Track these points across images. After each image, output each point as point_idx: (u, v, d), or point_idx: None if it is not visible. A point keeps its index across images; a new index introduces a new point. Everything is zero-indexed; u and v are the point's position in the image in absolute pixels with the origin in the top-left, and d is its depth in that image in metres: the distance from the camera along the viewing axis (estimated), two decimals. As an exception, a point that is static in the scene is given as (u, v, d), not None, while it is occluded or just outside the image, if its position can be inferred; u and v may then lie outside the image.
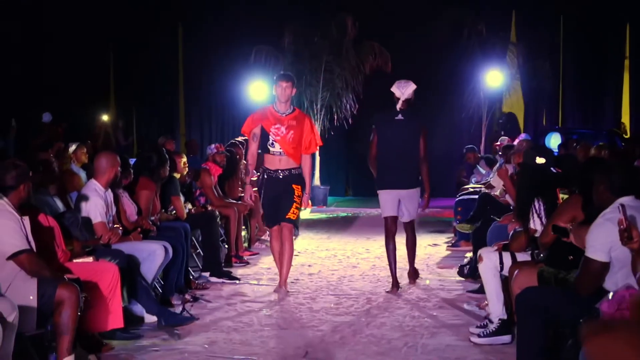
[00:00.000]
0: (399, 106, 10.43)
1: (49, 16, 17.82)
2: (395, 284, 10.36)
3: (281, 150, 10.09)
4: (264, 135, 10.13)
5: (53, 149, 13.02)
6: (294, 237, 10.74)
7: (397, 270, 10.46)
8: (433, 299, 9.93)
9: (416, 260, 11.08)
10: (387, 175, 10.47)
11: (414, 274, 10.85)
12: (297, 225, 10.64)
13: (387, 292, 10.28)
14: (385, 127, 10.54)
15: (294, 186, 10.12)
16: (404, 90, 10.42)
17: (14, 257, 6.66)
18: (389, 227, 10.52)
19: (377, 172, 10.56)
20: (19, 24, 16.94)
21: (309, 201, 10.60)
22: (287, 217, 10.15)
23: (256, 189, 11.00)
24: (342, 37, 21.23)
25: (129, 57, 22.80)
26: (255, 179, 11.16)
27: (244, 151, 14.00)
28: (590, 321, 5.30)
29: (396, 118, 10.44)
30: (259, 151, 10.39)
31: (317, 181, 21.16)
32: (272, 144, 10.09)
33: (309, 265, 12.25)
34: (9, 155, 11.02)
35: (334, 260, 12.85)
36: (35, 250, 6.86)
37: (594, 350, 4.33)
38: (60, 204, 9.02)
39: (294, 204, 10.14)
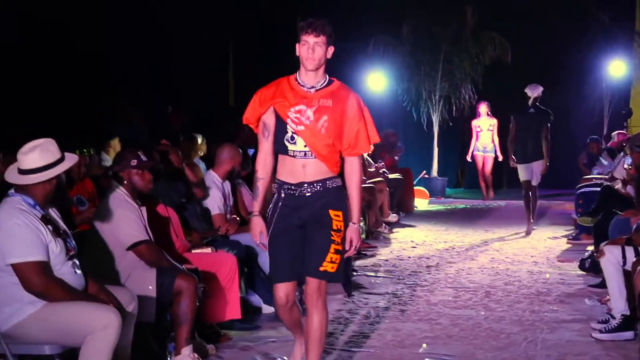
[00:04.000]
0: (530, 102, 14.39)
1: (168, 13, 17.99)
2: (529, 230, 14.58)
3: (307, 150, 6.03)
4: (280, 125, 6.10)
5: (173, 140, 13.13)
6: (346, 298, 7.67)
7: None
8: (553, 293, 9.76)
9: (535, 253, 12.58)
10: (523, 152, 14.51)
11: (533, 224, 14.73)
12: (347, 279, 7.49)
13: (524, 236, 14.39)
14: (521, 118, 14.59)
15: (331, 212, 6.04)
16: (534, 91, 14.35)
17: (133, 247, 6.77)
18: (526, 188, 14.63)
19: (514, 150, 14.62)
20: (142, 20, 17.13)
21: (356, 239, 6.10)
22: (320, 269, 6.02)
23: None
24: (461, 27, 21.00)
25: (248, 51, 22.89)
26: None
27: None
28: None
29: (529, 111, 14.47)
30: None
31: (434, 172, 21.01)
32: (292, 138, 6.04)
33: (427, 258, 12.16)
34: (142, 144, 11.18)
35: (452, 252, 12.72)
36: (153, 240, 6.95)
37: None
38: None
39: (332, 244, 6.02)
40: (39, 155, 5.65)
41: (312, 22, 6.07)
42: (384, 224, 14.36)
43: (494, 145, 19.48)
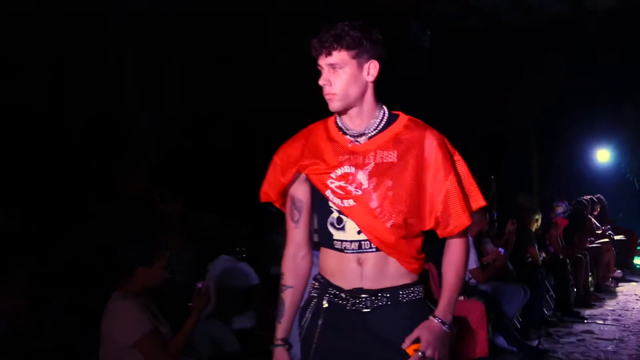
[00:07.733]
0: None
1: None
2: None
3: (362, 238, 3.58)
4: (318, 201, 3.70)
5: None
6: None
7: None
8: None
9: None
10: None
11: None
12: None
13: None
14: None
15: (411, 348, 3.47)
16: None
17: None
18: None
19: None
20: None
21: (434, 344, 3.45)
22: None
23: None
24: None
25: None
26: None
27: (589, 208, 14.83)
28: None
29: None
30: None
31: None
32: (339, 220, 3.61)
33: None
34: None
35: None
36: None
37: None
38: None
39: None
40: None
41: (322, 33, 3.55)
42: (610, 279, 14.96)
43: None
